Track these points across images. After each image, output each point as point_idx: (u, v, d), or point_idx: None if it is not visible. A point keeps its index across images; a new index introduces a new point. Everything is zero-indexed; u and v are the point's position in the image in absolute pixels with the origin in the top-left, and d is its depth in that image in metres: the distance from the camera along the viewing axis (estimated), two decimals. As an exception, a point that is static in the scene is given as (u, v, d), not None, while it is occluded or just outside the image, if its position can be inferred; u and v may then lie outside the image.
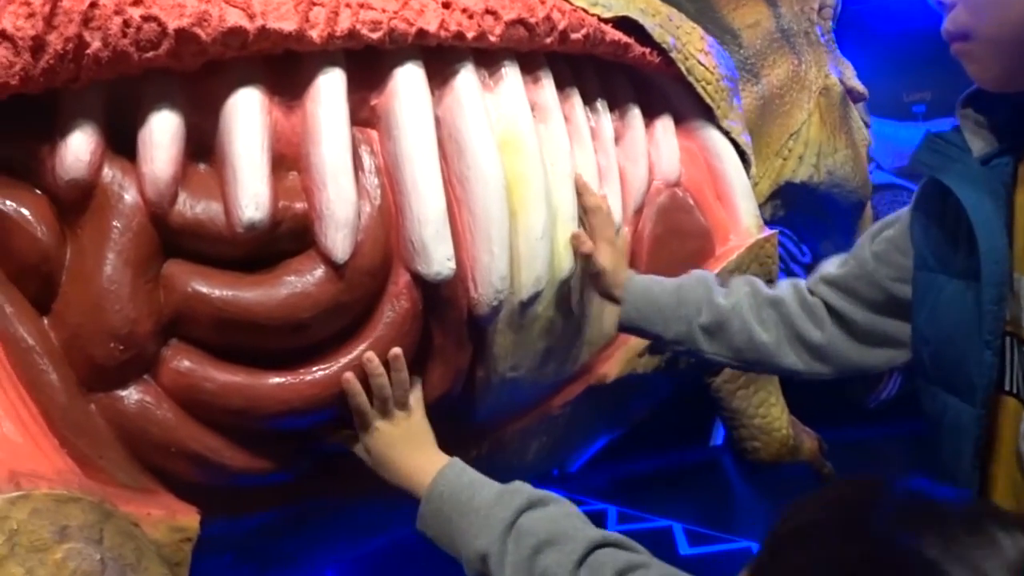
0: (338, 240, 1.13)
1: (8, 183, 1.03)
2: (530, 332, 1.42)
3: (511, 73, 1.39)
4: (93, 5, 0.97)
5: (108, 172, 1.05)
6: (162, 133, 1.07)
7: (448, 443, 1.17)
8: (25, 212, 1.02)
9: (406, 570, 2.22)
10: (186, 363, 1.10)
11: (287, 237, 1.15)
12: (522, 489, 1.00)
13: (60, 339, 1.05)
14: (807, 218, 2.37)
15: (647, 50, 1.64)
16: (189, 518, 1.10)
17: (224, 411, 1.11)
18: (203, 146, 1.13)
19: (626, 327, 1.39)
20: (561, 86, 1.51)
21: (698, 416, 3.38)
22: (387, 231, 1.20)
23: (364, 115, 1.24)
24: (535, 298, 1.38)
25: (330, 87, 1.17)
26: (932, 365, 1.02)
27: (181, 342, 1.11)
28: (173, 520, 1.08)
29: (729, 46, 2.05)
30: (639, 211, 1.70)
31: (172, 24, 1.01)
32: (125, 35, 0.99)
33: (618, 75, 1.70)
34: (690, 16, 1.86)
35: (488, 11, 1.30)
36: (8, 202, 1.02)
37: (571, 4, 1.47)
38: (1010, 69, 0.91)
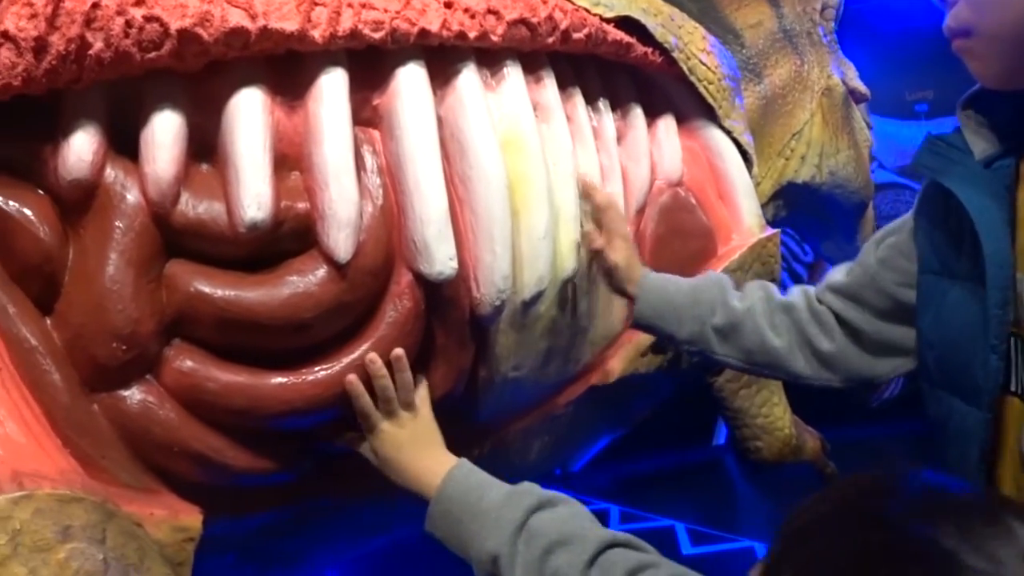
0: (340, 240, 1.13)
1: (11, 183, 1.03)
2: (532, 332, 1.42)
3: (513, 73, 1.38)
4: (95, 6, 0.97)
5: (110, 172, 1.05)
6: (164, 133, 1.07)
7: (450, 443, 1.17)
8: (28, 212, 1.02)
9: (407, 570, 2.22)
10: (188, 363, 1.10)
11: (289, 237, 1.15)
12: (532, 490, 1.00)
13: (63, 339, 1.05)
14: (809, 219, 2.37)
15: (649, 50, 1.64)
16: (192, 518, 1.10)
17: (226, 411, 1.11)
18: (205, 146, 1.13)
19: (639, 324, 1.39)
20: (563, 86, 1.51)
21: (700, 416, 3.38)
22: (389, 231, 1.20)
23: (366, 115, 1.24)
24: (537, 298, 1.38)
25: (332, 87, 1.17)
26: (937, 369, 1.01)
27: (183, 342, 1.11)
28: (176, 520, 1.08)
29: (731, 46, 2.05)
30: (641, 211, 1.70)
31: (174, 24, 1.01)
32: (127, 36, 0.99)
33: (620, 75, 1.70)
34: (692, 16, 1.86)
35: (490, 11, 1.30)
36: (11, 202, 1.02)
37: (573, 4, 1.47)
38: (1011, 66, 0.91)
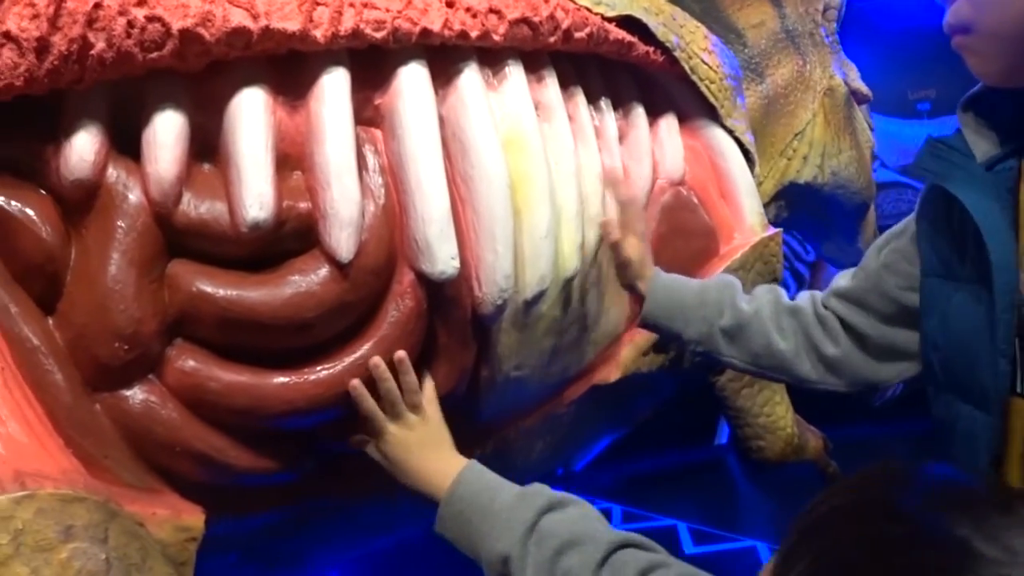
0: (342, 239, 1.13)
1: (13, 183, 1.03)
2: (534, 331, 1.42)
3: (515, 72, 1.38)
4: (97, 6, 0.97)
5: (112, 172, 1.05)
6: (166, 133, 1.07)
7: (453, 443, 1.17)
8: (30, 212, 1.02)
9: (410, 570, 2.22)
10: (191, 363, 1.10)
11: (291, 237, 1.15)
12: (542, 491, 1.00)
13: (65, 339, 1.05)
14: (810, 221, 2.37)
15: (651, 49, 1.64)
16: (194, 518, 1.10)
17: (229, 410, 1.11)
18: (207, 146, 1.13)
19: (647, 323, 1.40)
20: (565, 85, 1.51)
21: (703, 415, 3.38)
22: (391, 230, 1.20)
23: (368, 114, 1.24)
24: (539, 297, 1.38)
25: (334, 86, 1.17)
26: (943, 372, 1.01)
27: (186, 342, 1.12)
28: (178, 520, 1.08)
29: (734, 45, 2.05)
30: (643, 210, 1.69)
31: (176, 24, 1.01)
32: (129, 36, 0.99)
33: (622, 74, 1.70)
34: (695, 15, 1.86)
35: (492, 10, 1.30)
36: (13, 202, 1.02)
37: (575, 3, 1.47)
38: (1011, 63, 0.91)
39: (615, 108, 1.67)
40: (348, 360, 1.17)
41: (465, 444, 1.20)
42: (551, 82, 1.46)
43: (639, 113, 1.71)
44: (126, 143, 1.07)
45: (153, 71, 1.04)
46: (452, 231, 1.21)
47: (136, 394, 1.08)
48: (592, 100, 1.60)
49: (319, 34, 1.12)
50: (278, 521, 1.28)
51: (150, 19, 1.00)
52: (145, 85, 1.07)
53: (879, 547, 0.53)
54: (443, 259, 1.19)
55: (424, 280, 1.21)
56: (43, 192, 1.05)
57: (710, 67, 1.77)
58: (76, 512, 0.91)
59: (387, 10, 1.18)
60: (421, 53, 1.25)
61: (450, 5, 1.26)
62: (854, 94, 2.35)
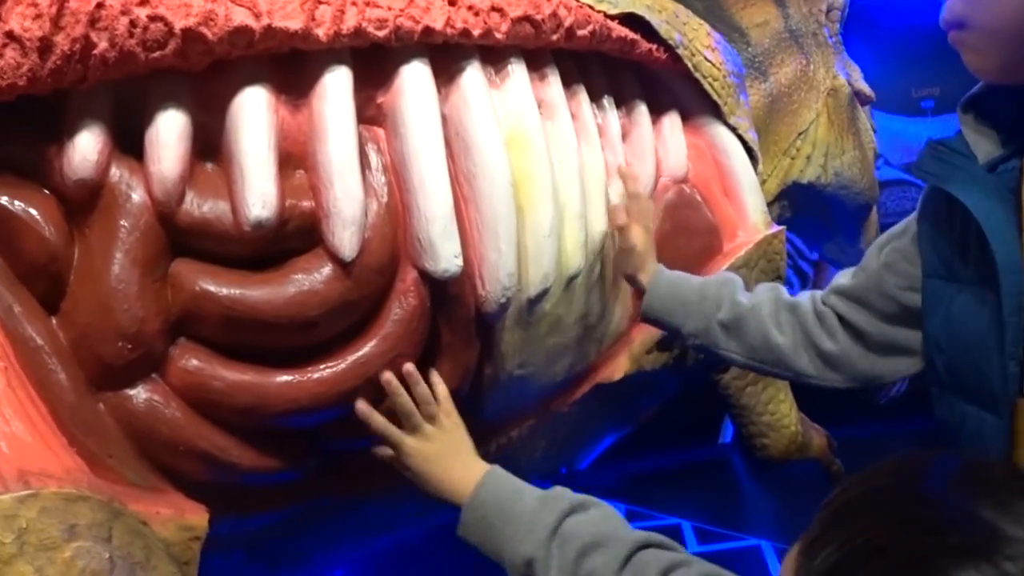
0: (345, 238, 1.13)
1: (16, 183, 1.03)
2: (538, 329, 1.41)
3: (517, 70, 1.38)
4: (100, 6, 0.97)
5: (115, 172, 1.05)
6: (169, 132, 1.07)
7: (473, 447, 1.17)
8: (33, 212, 1.02)
9: (414, 569, 2.22)
10: (194, 362, 1.10)
11: (294, 235, 1.15)
12: (564, 494, 1.02)
13: (69, 338, 1.05)
14: (812, 221, 2.36)
15: (653, 46, 1.64)
16: (198, 517, 1.10)
17: (232, 409, 1.11)
18: (210, 145, 1.13)
19: (647, 317, 1.42)
20: (568, 83, 1.51)
21: (707, 413, 3.37)
22: (394, 229, 1.20)
23: (371, 113, 1.24)
24: (543, 295, 1.38)
25: (336, 85, 1.17)
26: (948, 373, 1.01)
27: (189, 341, 1.12)
28: (182, 519, 1.08)
29: (737, 44, 2.05)
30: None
31: (178, 24, 1.01)
32: (132, 35, 0.99)
33: (625, 72, 1.70)
34: (698, 14, 1.86)
35: (494, 8, 1.30)
36: (16, 202, 1.02)
37: (577, 1, 1.47)
38: (1007, 59, 0.90)
39: (618, 106, 1.67)
40: (352, 359, 1.17)
41: (469, 443, 1.20)
42: (554, 80, 1.46)
43: (642, 111, 1.71)
44: (129, 143, 1.07)
45: (156, 70, 1.04)
46: (455, 229, 1.21)
47: (140, 393, 1.08)
48: (595, 98, 1.60)
49: (321, 33, 1.12)
50: (282, 520, 1.28)
51: (152, 19, 1.00)
52: (148, 84, 1.07)
53: (907, 530, 0.54)
54: (446, 257, 1.19)
55: (427, 278, 1.21)
56: (46, 192, 1.05)
57: (713, 64, 1.77)
58: (80, 511, 0.91)
59: (389, 8, 1.18)
60: (423, 51, 1.25)
61: (452, 3, 1.25)
62: (857, 95, 2.35)
